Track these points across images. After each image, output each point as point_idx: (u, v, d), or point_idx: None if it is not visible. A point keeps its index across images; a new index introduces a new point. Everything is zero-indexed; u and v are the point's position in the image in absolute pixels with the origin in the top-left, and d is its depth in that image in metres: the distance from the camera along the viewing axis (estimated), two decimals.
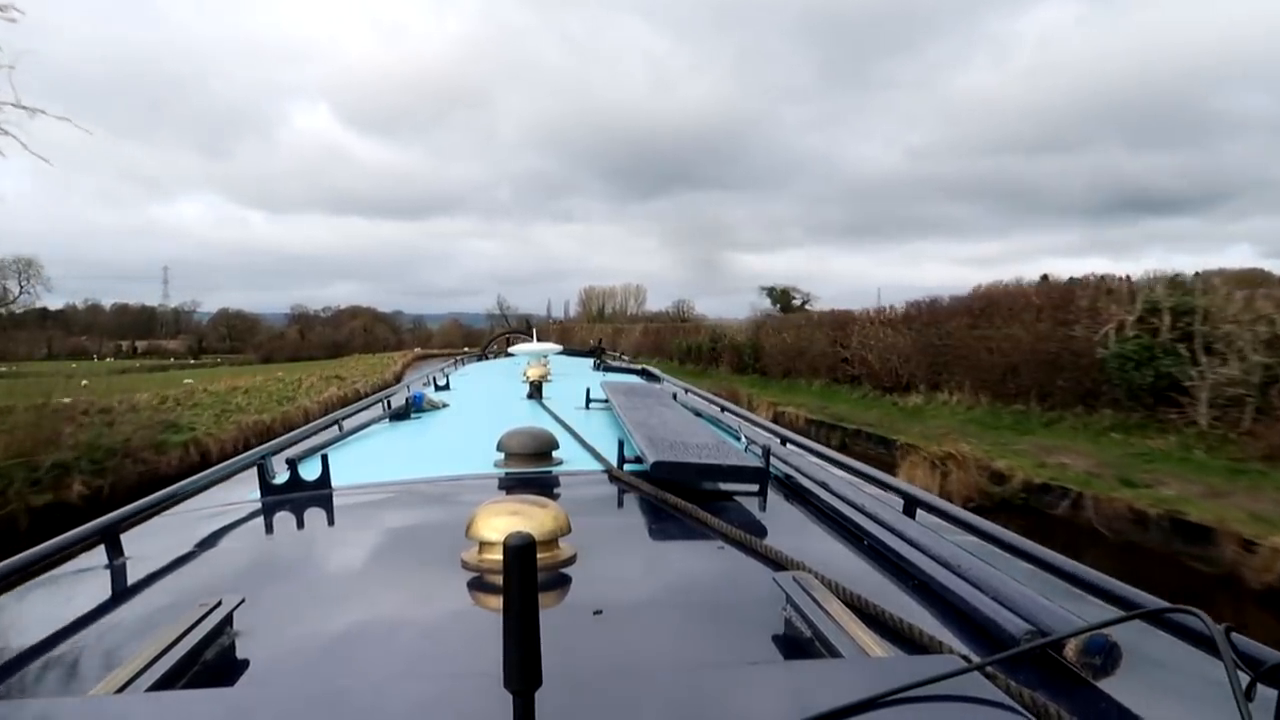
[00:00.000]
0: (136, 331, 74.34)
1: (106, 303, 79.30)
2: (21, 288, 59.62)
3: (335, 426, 2.26)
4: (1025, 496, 8.11)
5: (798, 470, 1.47)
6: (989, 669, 0.62)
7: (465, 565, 0.96)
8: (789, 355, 19.18)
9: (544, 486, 1.47)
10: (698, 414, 2.28)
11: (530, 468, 1.58)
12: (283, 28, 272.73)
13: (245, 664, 0.74)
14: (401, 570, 1.04)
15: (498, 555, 0.90)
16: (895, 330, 15.10)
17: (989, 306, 12.35)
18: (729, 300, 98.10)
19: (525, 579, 0.46)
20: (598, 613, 0.83)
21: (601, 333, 27.85)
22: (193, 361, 56.87)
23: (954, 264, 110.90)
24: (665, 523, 1.22)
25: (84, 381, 25.14)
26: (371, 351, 50.40)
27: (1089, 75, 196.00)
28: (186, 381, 20.00)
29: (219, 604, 0.78)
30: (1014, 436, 10.50)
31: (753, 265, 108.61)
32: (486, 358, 6.29)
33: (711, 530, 1.12)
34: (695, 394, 2.99)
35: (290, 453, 1.71)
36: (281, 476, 1.48)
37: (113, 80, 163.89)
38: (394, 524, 1.28)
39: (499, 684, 0.47)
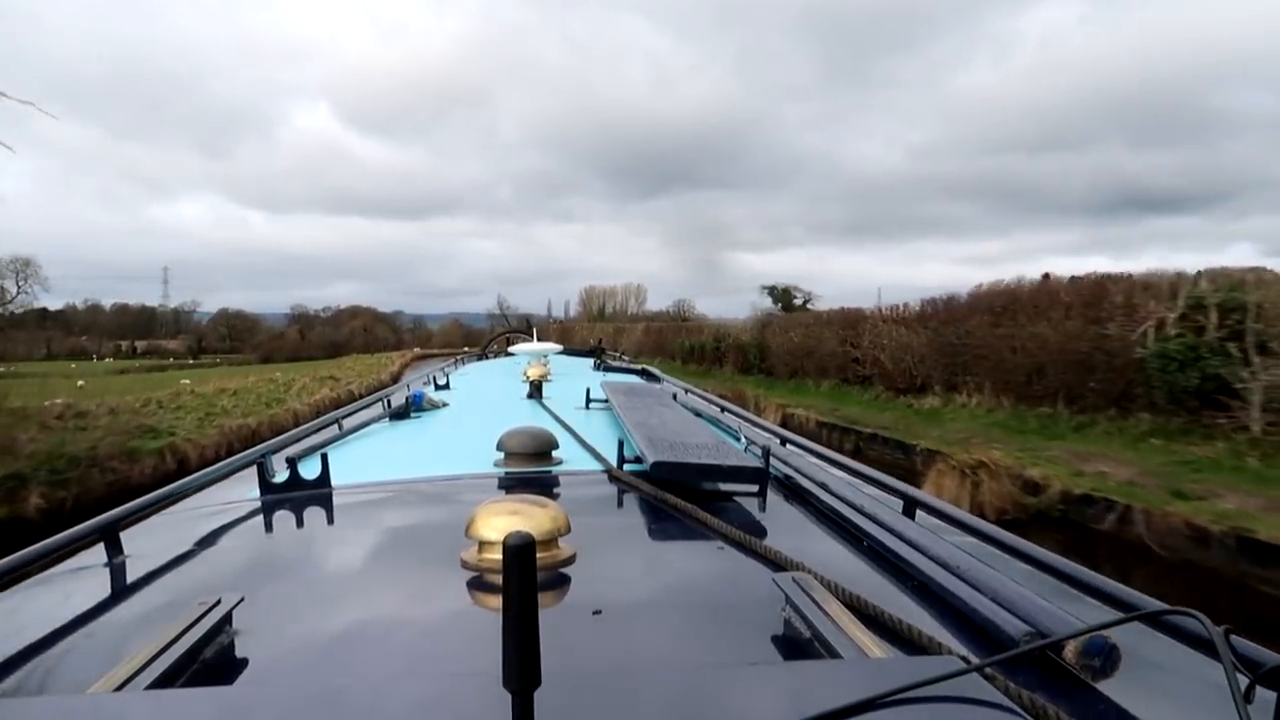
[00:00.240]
0: (136, 332, 74.36)
1: (107, 303, 79.48)
2: (19, 288, 59.37)
3: (335, 425, 2.24)
4: (1064, 508, 7.46)
5: (797, 471, 1.47)
6: (988, 670, 0.62)
7: (465, 565, 0.95)
8: (796, 355, 18.58)
9: (544, 486, 1.47)
10: (698, 414, 2.25)
11: (530, 467, 1.57)
12: (282, 26, 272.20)
13: (244, 663, 0.74)
14: (401, 569, 1.04)
15: (497, 555, 0.88)
16: (909, 329, 14.48)
17: (1012, 304, 11.70)
18: (729, 300, 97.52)
19: (525, 579, 0.46)
20: (597, 613, 0.83)
21: (602, 332, 27.39)
22: (192, 362, 56.76)
23: (954, 263, 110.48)
24: (665, 523, 1.21)
25: (80, 382, 24.96)
26: (371, 351, 50.13)
27: (1091, 74, 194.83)
28: (183, 382, 19.74)
29: (218, 602, 0.78)
30: (1042, 442, 9.85)
31: (753, 265, 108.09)
32: (486, 357, 6.25)
33: (711, 530, 1.12)
34: (695, 394, 2.97)
35: (290, 451, 1.71)
36: (281, 475, 1.47)
37: (112, 80, 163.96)
38: (394, 523, 1.27)
39: (498, 683, 0.47)
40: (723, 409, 2.45)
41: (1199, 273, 9.20)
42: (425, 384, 3.34)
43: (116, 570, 1.09)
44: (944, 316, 13.38)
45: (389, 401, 2.72)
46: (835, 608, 0.76)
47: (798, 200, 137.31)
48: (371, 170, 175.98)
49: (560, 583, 0.92)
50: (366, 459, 1.85)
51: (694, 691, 0.58)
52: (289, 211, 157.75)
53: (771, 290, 40.99)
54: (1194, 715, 0.71)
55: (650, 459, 1.36)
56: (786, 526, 1.25)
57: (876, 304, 17.40)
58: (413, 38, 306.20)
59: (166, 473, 9.75)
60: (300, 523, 1.32)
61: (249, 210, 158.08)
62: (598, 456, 1.63)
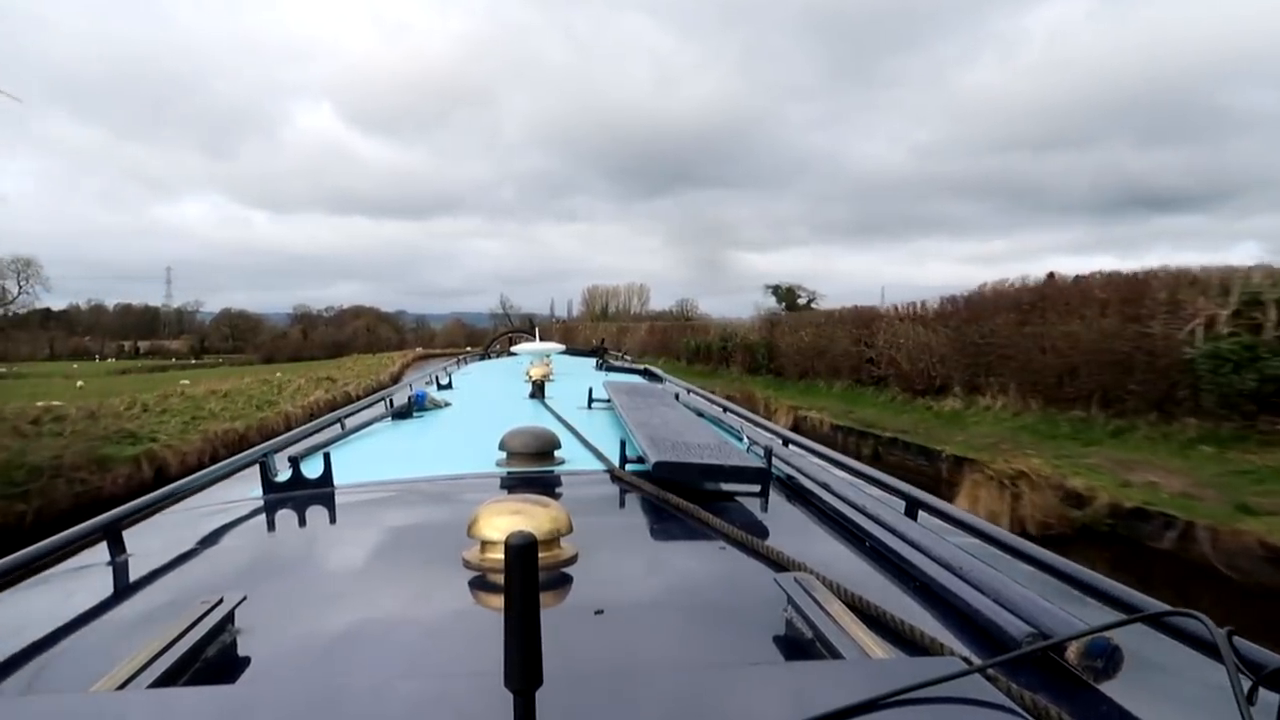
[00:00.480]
0: (139, 332, 74.46)
1: (110, 303, 79.54)
2: (20, 288, 59.13)
3: (338, 425, 2.25)
4: (1112, 523, 6.80)
5: (799, 471, 1.46)
6: (990, 671, 0.62)
7: (467, 564, 0.95)
8: (807, 355, 17.95)
9: (546, 486, 1.47)
10: (700, 414, 2.26)
11: (532, 467, 1.56)
12: (286, 26, 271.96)
13: (246, 662, 0.74)
14: (403, 569, 1.03)
15: (499, 554, 0.88)
16: (927, 328, 13.82)
17: (1042, 301, 11.02)
18: (732, 299, 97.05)
19: (527, 578, 0.46)
20: (599, 612, 0.83)
21: (606, 332, 26.87)
22: (194, 362, 56.66)
23: (958, 262, 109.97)
24: (667, 523, 1.21)
25: (79, 383, 24.84)
26: (373, 352, 49.90)
27: (1096, 71, 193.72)
28: (183, 382, 19.71)
29: (220, 601, 0.78)
30: (1077, 448, 9.19)
31: (756, 264, 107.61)
32: (489, 357, 6.21)
33: (713, 531, 1.12)
34: (697, 394, 2.96)
35: (292, 450, 1.70)
36: (284, 474, 1.47)
37: (116, 80, 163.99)
38: (396, 523, 1.26)
39: (500, 683, 0.47)
40: (725, 409, 2.44)
41: (1252, 267, 8.53)
42: (428, 383, 3.32)
43: (119, 569, 1.08)
44: (966, 315, 12.70)
45: (391, 401, 2.69)
46: (837, 608, 0.75)
47: (802, 199, 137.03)
48: (375, 170, 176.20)
49: (562, 583, 0.91)
50: (369, 458, 1.84)
51: (696, 692, 0.58)
52: (292, 211, 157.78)
53: (776, 290, 40.68)
54: (1197, 717, 0.71)
55: (652, 459, 1.35)
56: (788, 527, 1.24)
57: (879, 303, 16.94)
58: (416, 37, 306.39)
59: (142, 482, 9.13)
60: (302, 522, 1.32)
61: (252, 210, 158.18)
62: (600, 456, 1.61)
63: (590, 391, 2.57)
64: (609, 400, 2.36)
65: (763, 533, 1.12)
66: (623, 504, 1.34)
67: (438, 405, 2.60)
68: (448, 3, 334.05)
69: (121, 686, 0.62)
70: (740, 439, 1.94)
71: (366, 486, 1.48)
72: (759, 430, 2.09)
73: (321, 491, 1.43)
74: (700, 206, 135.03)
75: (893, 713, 0.53)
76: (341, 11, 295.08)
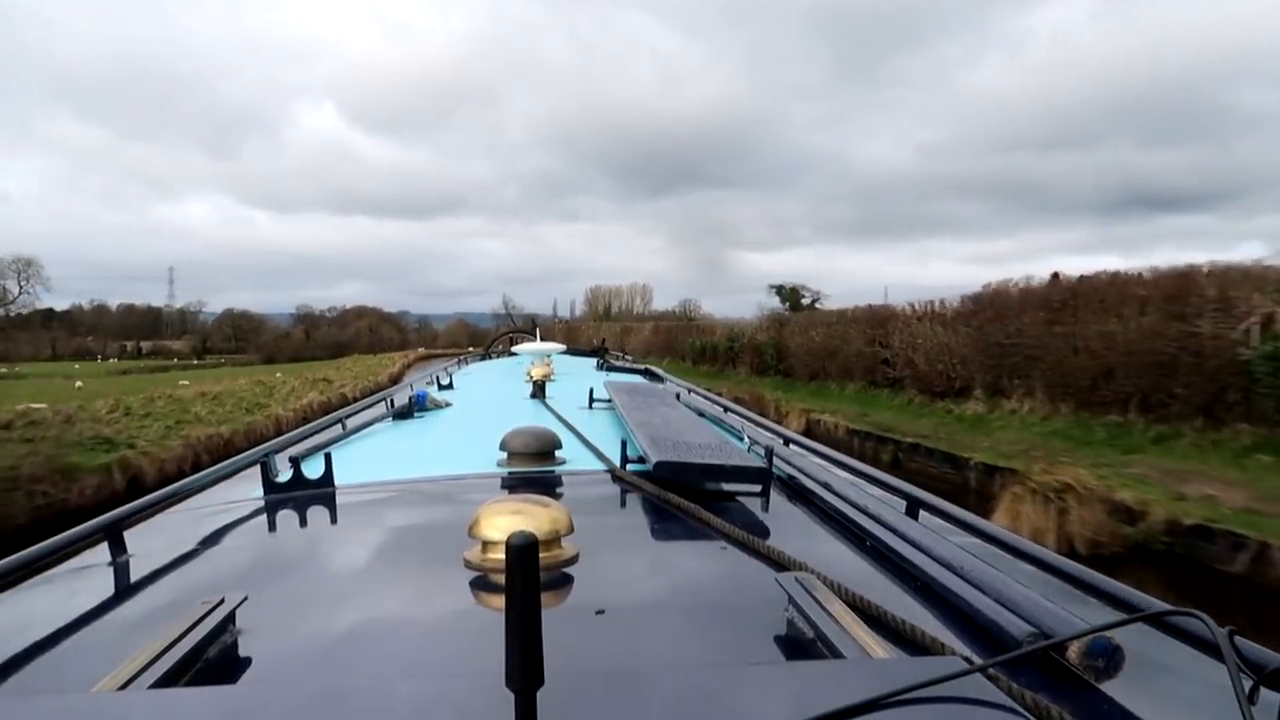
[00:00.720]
0: (142, 332, 74.41)
1: (113, 303, 79.31)
2: (21, 288, 58.84)
3: (339, 425, 2.25)
4: (1169, 541, 6.15)
5: (800, 471, 1.46)
6: (991, 671, 0.62)
7: (468, 564, 0.94)
8: (817, 356, 17.32)
9: (547, 486, 1.46)
10: (701, 414, 2.24)
11: (533, 467, 1.56)
12: (288, 26, 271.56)
13: (248, 662, 0.74)
14: (404, 569, 1.03)
15: (500, 555, 0.83)
16: (947, 327, 13.18)
17: (1074, 298, 10.36)
18: (734, 299, 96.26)
19: (528, 578, 0.45)
20: (600, 612, 0.83)
21: (610, 332, 26.32)
22: (196, 362, 56.45)
23: (962, 262, 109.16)
24: (668, 523, 1.21)
25: (78, 383, 24.63)
26: (375, 352, 49.59)
27: (1101, 71, 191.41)
28: (182, 383, 19.64)
29: (222, 602, 0.78)
30: (1116, 455, 8.54)
31: (759, 264, 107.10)
32: (490, 357, 6.19)
33: (714, 530, 1.11)
34: (698, 394, 2.97)
35: (293, 451, 1.69)
36: (285, 475, 1.47)
37: (118, 80, 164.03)
38: (397, 523, 1.27)
39: (501, 683, 0.46)
40: (725, 409, 2.45)
41: None
42: (428, 384, 3.32)
43: (120, 569, 1.08)
44: (990, 314, 12.05)
45: (392, 401, 2.69)
46: (838, 608, 0.75)
47: (805, 199, 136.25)
48: (377, 170, 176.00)
49: (563, 583, 0.91)
50: (370, 458, 1.84)
51: (697, 691, 0.58)
52: (295, 211, 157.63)
53: (780, 290, 40.25)
54: (1198, 717, 0.71)
55: (653, 459, 1.34)
56: (789, 527, 1.24)
57: (883, 303, 16.35)
58: (418, 37, 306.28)
59: (114, 493, 8.52)
60: (304, 522, 1.31)
61: (255, 210, 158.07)
62: (601, 456, 1.60)
63: (591, 391, 2.56)
64: (610, 400, 2.35)
65: (764, 533, 1.12)
66: (624, 504, 1.34)
67: (438, 405, 2.59)
68: (450, 1, 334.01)
69: (123, 687, 0.61)
70: (741, 439, 1.94)
71: (367, 487, 1.48)
72: (760, 430, 2.08)
73: (322, 492, 1.42)
74: (703, 206, 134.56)
75: (894, 712, 0.53)
76: (344, 10, 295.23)
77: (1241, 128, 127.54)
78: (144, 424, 11.69)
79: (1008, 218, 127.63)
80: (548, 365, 3.05)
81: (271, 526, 1.29)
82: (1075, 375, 10.03)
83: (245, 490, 1.48)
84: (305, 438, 1.99)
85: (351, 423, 2.27)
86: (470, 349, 16.17)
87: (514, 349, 5.20)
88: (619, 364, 4.71)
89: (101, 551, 1.12)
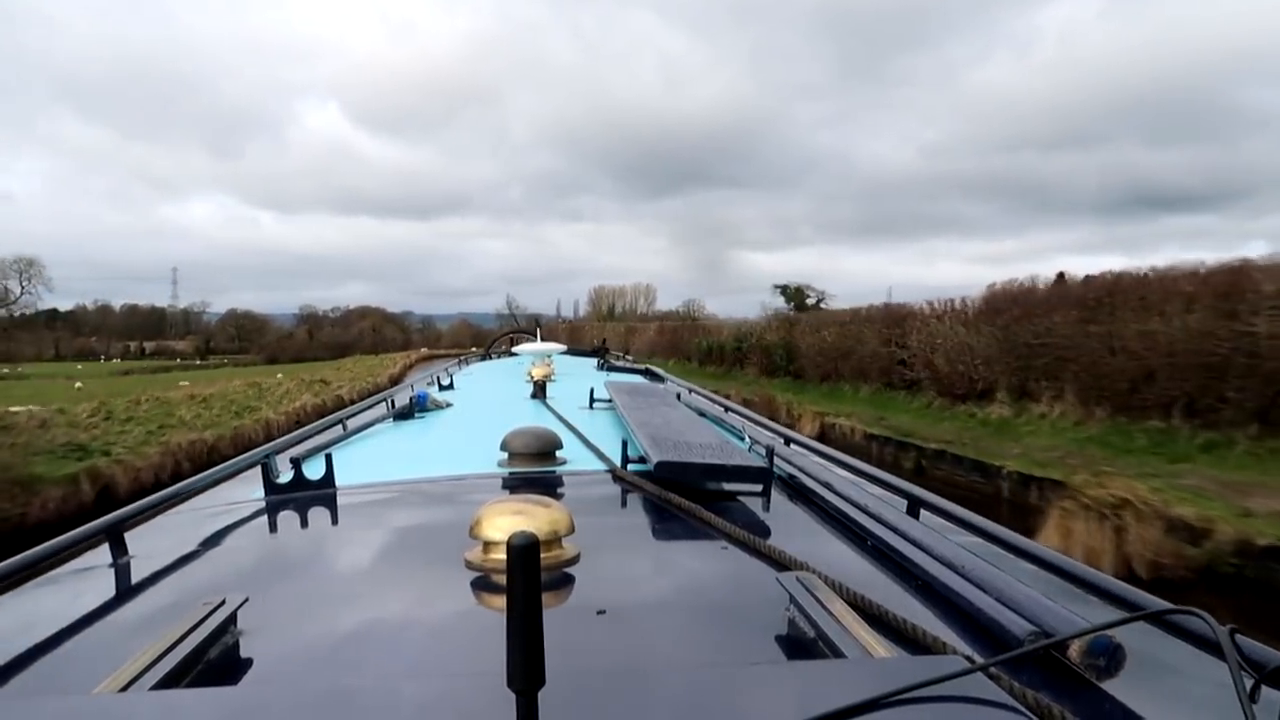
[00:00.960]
0: (145, 332, 74.29)
1: (116, 304, 79.19)
2: (23, 288, 58.56)
3: (340, 426, 2.25)
4: (1239, 564, 5.51)
5: (801, 470, 1.46)
6: (992, 670, 0.62)
7: (469, 565, 0.95)
8: (830, 356, 16.69)
9: (548, 486, 1.47)
10: (701, 414, 2.24)
11: (534, 467, 1.56)
12: (292, 26, 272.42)
13: (249, 663, 0.74)
14: (405, 570, 1.04)
15: (501, 555, 0.86)
16: (969, 327, 12.53)
17: (1111, 296, 9.70)
18: (737, 299, 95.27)
19: (529, 579, 0.46)
20: (601, 612, 0.83)
21: (614, 332, 25.77)
22: (199, 362, 56.19)
23: (966, 262, 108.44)
24: (669, 523, 1.21)
25: (78, 384, 24.33)
26: (377, 352, 49.17)
27: (1106, 71, 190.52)
28: (182, 384, 19.36)
29: (223, 603, 0.78)
30: (1163, 465, 7.89)
31: (761, 264, 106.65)
32: (491, 357, 6.20)
33: (715, 530, 1.11)
34: (699, 394, 2.97)
35: (294, 452, 1.70)
36: (285, 475, 1.47)
37: (122, 80, 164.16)
38: (398, 523, 1.27)
39: (502, 683, 0.46)
40: (726, 408, 2.49)
41: None
42: (429, 384, 3.30)
43: (121, 570, 1.08)
44: (1017, 312, 11.39)
45: (393, 402, 2.69)
46: (840, 607, 0.75)
47: (809, 199, 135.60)
48: (381, 170, 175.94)
49: (564, 583, 0.91)
50: (370, 459, 1.84)
51: (698, 691, 0.57)
52: (298, 211, 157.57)
53: (784, 289, 39.63)
54: (1199, 715, 0.71)
55: (654, 459, 1.34)
56: (791, 526, 1.23)
57: (887, 302, 15.76)
58: (422, 36, 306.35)
59: (81, 505, 7.94)
60: (304, 523, 1.32)
61: (258, 210, 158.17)
62: (601, 456, 1.60)
63: (591, 392, 2.57)
64: (610, 400, 2.35)
65: (765, 532, 1.12)
66: (624, 504, 1.34)
67: (439, 406, 2.61)
68: (455, 1, 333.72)
69: (124, 688, 0.62)
70: (742, 439, 1.96)
71: (368, 487, 1.48)
72: (760, 430, 2.09)
73: (323, 492, 1.42)
74: (707, 206, 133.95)
75: (895, 712, 0.53)
76: (347, 10, 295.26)
77: (1248, 127, 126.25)
78: (124, 429, 11.13)
79: (1013, 217, 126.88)
80: (548, 365, 3.06)
81: (272, 527, 1.30)
82: (1112, 377, 9.39)
83: (246, 491, 1.48)
84: (306, 438, 2.00)
85: (352, 423, 2.27)
86: (472, 349, 15.72)
87: (514, 349, 5.23)
88: (619, 364, 4.70)
89: (103, 553, 1.13)
